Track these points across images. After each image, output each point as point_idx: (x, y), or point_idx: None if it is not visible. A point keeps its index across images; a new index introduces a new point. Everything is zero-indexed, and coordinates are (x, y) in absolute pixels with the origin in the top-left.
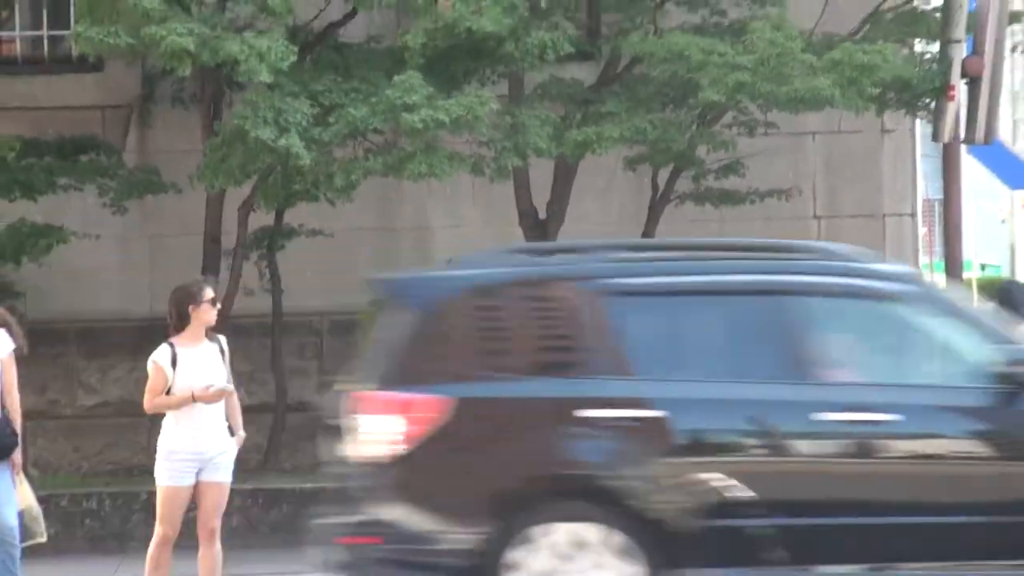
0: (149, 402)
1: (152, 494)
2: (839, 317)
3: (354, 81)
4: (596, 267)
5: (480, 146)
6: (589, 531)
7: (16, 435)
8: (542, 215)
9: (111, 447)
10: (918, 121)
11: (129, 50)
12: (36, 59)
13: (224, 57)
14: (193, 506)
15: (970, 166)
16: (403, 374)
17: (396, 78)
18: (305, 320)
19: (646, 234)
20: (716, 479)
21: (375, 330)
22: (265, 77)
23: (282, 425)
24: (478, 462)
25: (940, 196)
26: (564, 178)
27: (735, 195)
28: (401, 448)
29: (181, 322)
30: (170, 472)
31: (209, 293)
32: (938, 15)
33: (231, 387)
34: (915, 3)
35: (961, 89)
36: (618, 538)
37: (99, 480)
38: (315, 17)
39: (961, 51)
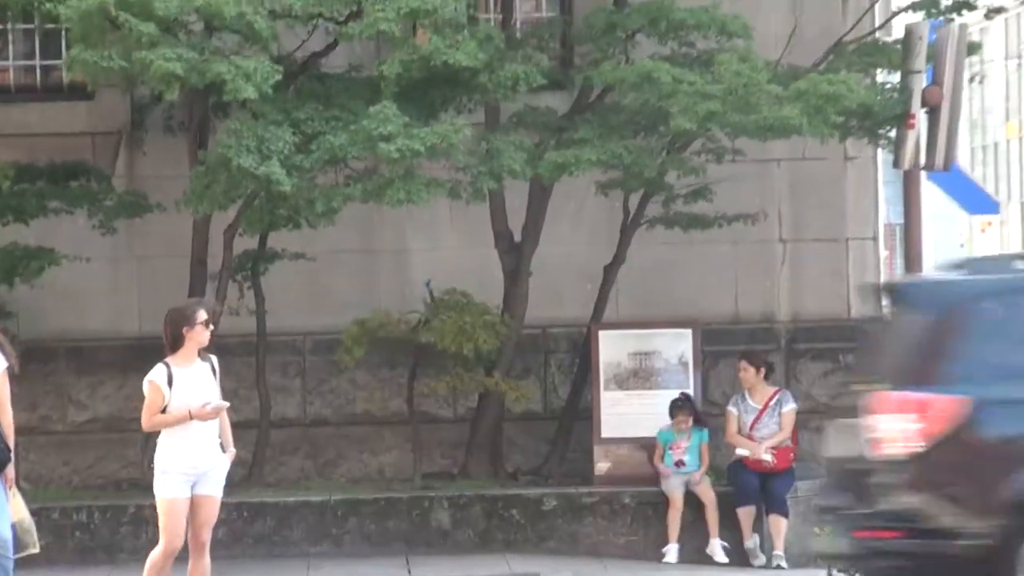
0: (147, 420)
1: (140, 507)
2: None
3: (335, 110)
4: None
5: (457, 171)
6: None
7: (9, 450)
8: (517, 238)
9: (101, 461)
10: (879, 149)
11: (122, 73)
12: (29, 88)
13: (212, 78)
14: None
15: (930, 192)
16: (918, 375)
17: (372, 109)
18: (288, 340)
19: (617, 257)
20: None
21: (888, 333)
22: (251, 94)
23: (266, 440)
24: (994, 459)
25: (901, 220)
26: (538, 202)
27: (703, 219)
28: (919, 446)
29: (176, 342)
30: (168, 485)
31: (203, 315)
32: (899, 47)
33: (226, 404)
34: (877, 35)
35: (921, 118)
36: None
37: (89, 494)
38: (298, 48)
39: (921, 81)
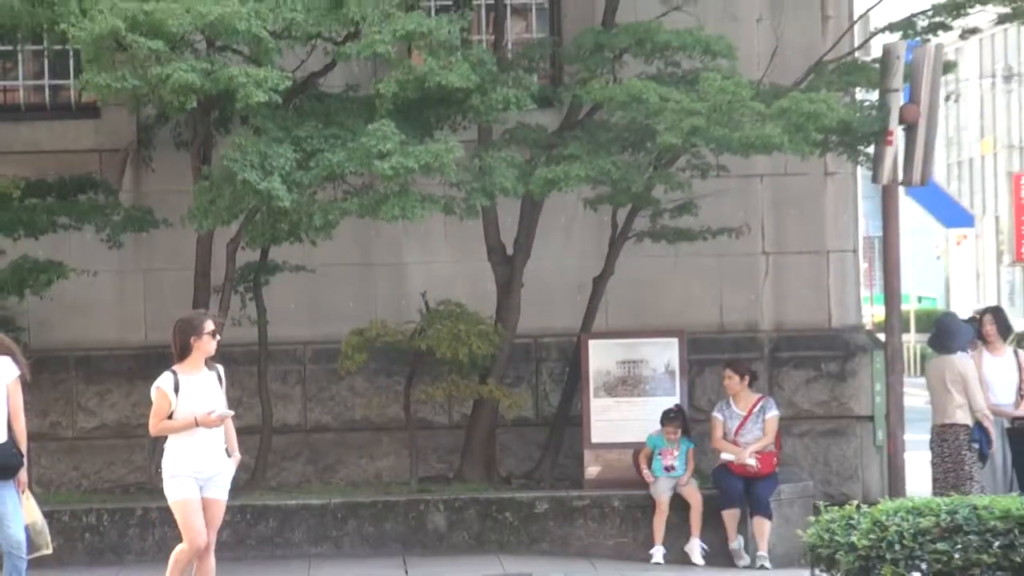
0: (154, 426)
1: (147, 510)
2: None
3: (334, 128)
4: None
5: (451, 188)
6: None
7: (22, 455)
8: (510, 251)
9: (109, 466)
10: (859, 164)
11: (134, 92)
12: (38, 106)
13: (226, 83)
14: None
15: (907, 206)
16: None
17: (370, 126)
18: (289, 349)
19: (606, 269)
20: None
21: None
22: (263, 98)
23: (268, 446)
24: None
25: (879, 234)
26: (530, 216)
27: (689, 232)
28: None
29: (184, 351)
30: (178, 488)
31: (210, 325)
32: (877, 66)
33: (231, 412)
34: (856, 55)
35: (899, 134)
36: None
37: (98, 497)
38: (297, 67)
39: (898, 99)
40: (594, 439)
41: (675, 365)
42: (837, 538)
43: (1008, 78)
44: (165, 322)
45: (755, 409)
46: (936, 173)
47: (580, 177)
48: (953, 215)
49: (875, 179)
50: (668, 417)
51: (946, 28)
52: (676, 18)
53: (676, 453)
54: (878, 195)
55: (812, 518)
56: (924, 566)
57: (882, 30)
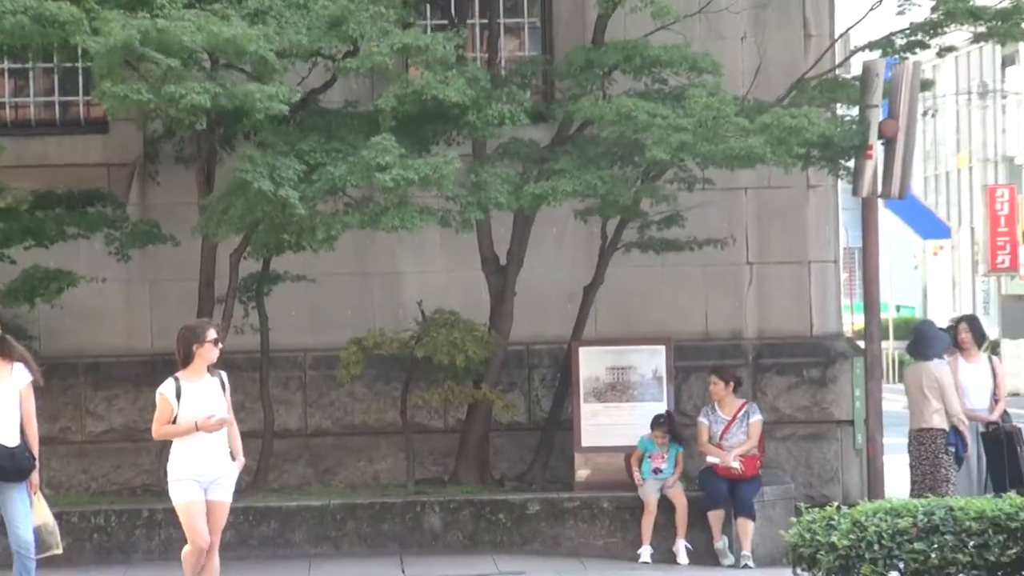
0: (157, 430)
1: (153, 511)
2: None
3: (335, 142)
4: None
5: (447, 201)
6: None
7: (34, 459)
8: (503, 261)
9: (117, 469)
10: (839, 178)
11: (148, 106)
12: (48, 122)
13: (242, 99)
14: None
15: (886, 218)
16: None
17: (372, 139)
18: (290, 356)
19: (596, 278)
20: None
21: None
22: (278, 109)
23: (270, 450)
24: None
25: (859, 245)
26: (522, 228)
27: (676, 243)
28: None
29: (187, 359)
30: (181, 491)
31: (212, 333)
32: (857, 83)
33: (229, 417)
34: (837, 72)
35: (878, 149)
36: None
37: (106, 498)
38: (298, 84)
39: (878, 115)
40: (584, 443)
41: (662, 371)
42: (818, 538)
43: (983, 95)
44: (171, 330)
45: (739, 414)
46: (914, 186)
47: (567, 192)
48: (930, 227)
49: (855, 192)
50: (658, 422)
51: (923, 46)
52: (664, 37)
53: (665, 456)
54: (858, 207)
55: (794, 519)
56: (902, 565)
57: (862, 48)
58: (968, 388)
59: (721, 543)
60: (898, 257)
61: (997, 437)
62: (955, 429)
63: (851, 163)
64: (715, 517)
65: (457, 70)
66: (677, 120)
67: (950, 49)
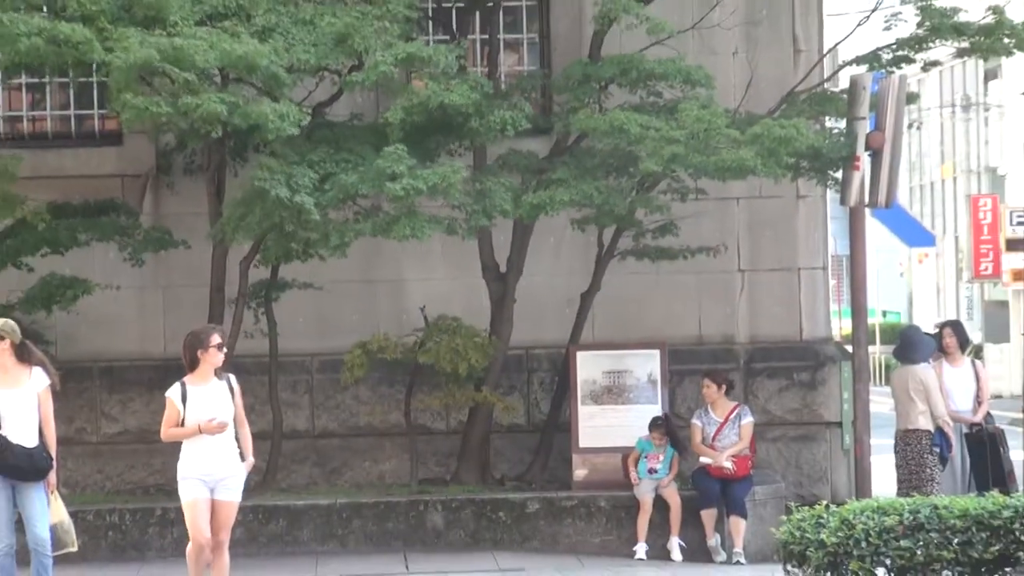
0: (164, 432)
1: (166, 510)
2: None
3: (344, 153)
4: None
5: (452, 209)
6: None
7: (52, 459)
8: (503, 269)
9: (130, 469)
10: (828, 188)
11: (166, 117)
12: (64, 134)
13: (256, 118)
14: None
15: (873, 227)
16: None
17: (385, 149)
18: (298, 360)
19: (592, 285)
20: None
21: None
22: (289, 132)
23: (278, 450)
24: None
25: (847, 252)
26: (521, 237)
27: (670, 251)
28: None
29: (193, 363)
30: (187, 490)
31: (216, 339)
32: (845, 96)
33: (229, 420)
34: (825, 85)
35: (865, 160)
36: None
37: (120, 498)
38: (306, 98)
39: (865, 127)
40: (582, 444)
41: (657, 375)
42: (808, 536)
43: (966, 108)
44: (183, 335)
45: (731, 416)
46: (900, 196)
47: (565, 202)
48: (916, 235)
49: (843, 201)
50: (656, 424)
51: (909, 61)
52: (658, 52)
53: (661, 457)
54: (846, 216)
55: (784, 517)
56: (889, 562)
57: (850, 63)
58: (952, 391)
59: (714, 540)
60: (884, 264)
61: (980, 438)
62: (940, 430)
63: (839, 174)
64: (708, 516)
65: (459, 78)
66: (669, 132)
67: (935, 64)
